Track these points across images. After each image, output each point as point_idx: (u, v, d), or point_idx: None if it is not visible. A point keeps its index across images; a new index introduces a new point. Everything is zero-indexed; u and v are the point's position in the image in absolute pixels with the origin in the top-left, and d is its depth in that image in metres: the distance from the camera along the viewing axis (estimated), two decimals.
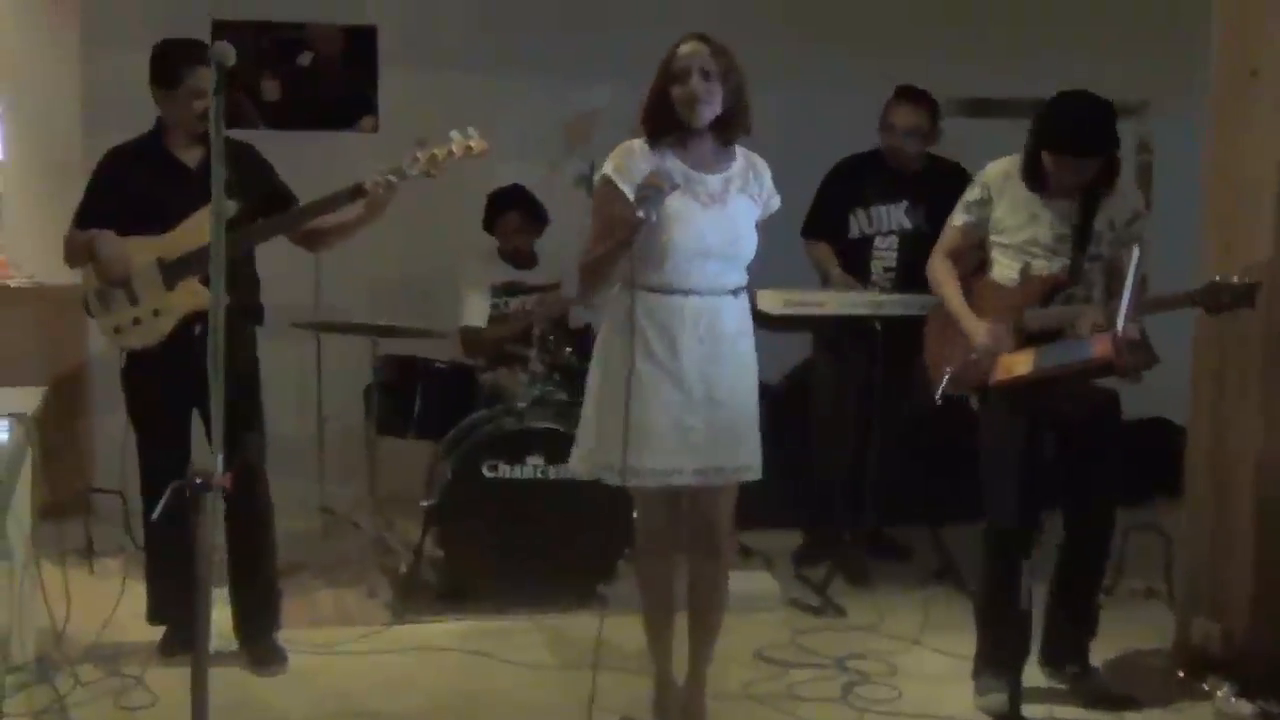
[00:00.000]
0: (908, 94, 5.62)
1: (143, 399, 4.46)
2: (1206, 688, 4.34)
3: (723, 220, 3.70)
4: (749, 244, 3.77)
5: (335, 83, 6.68)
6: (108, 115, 6.07)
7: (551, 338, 5.41)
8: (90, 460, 6.25)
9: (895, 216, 5.62)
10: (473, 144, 4.46)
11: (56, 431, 4.72)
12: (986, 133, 5.19)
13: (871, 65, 6.05)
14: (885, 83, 5.70)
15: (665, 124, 3.70)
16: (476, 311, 6.01)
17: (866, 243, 5.64)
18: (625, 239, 3.58)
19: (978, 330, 4.20)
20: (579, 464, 3.89)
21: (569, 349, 5.45)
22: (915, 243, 5.42)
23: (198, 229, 4.21)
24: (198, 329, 4.26)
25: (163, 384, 4.37)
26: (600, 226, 3.73)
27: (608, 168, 3.72)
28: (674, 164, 3.69)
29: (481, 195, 6.03)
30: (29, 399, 4.10)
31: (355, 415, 5.83)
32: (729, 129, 3.74)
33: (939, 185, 5.29)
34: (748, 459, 3.81)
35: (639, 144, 3.73)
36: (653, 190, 3.56)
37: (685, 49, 3.66)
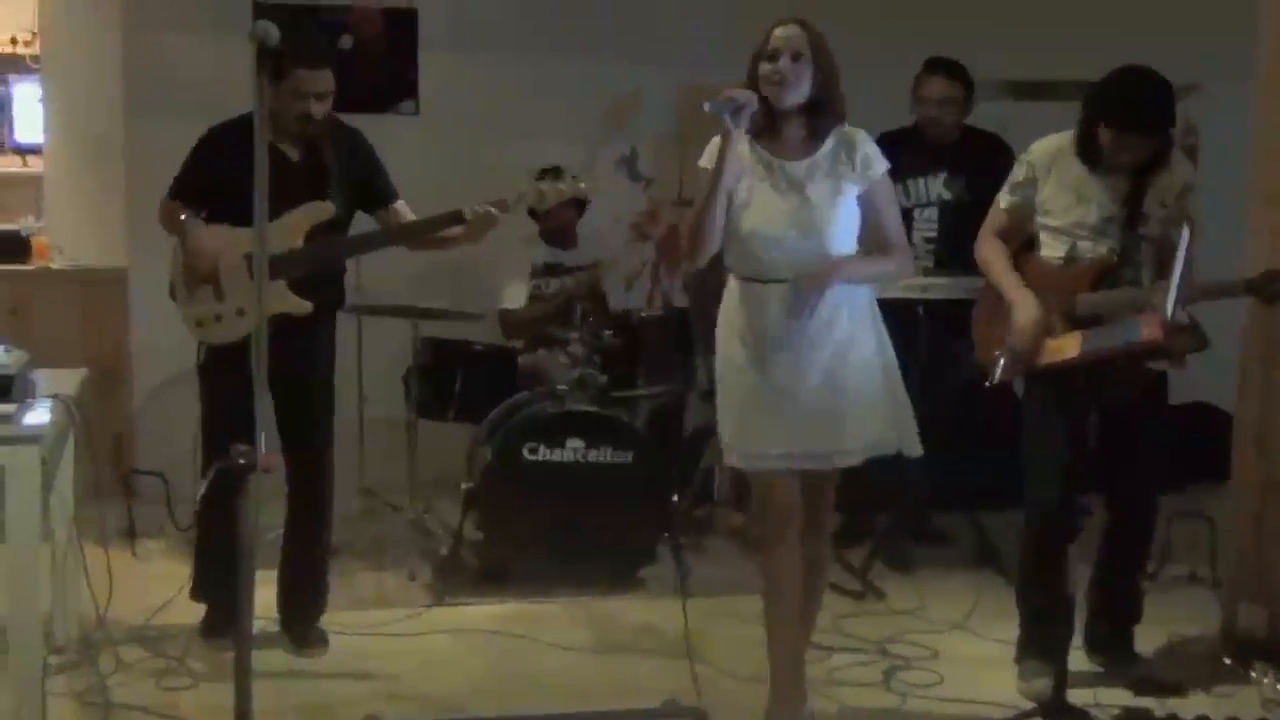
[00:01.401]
0: (938, 65, 5.57)
1: (218, 393, 4.41)
2: (1253, 673, 4.29)
3: (801, 208, 3.68)
4: (838, 227, 3.70)
5: (376, 66, 6.66)
6: (150, 98, 6.12)
7: (592, 320, 5.39)
8: (132, 442, 6.28)
9: (934, 188, 5.58)
10: (583, 186, 4.71)
11: (98, 414, 4.73)
12: (1031, 115, 5.12)
13: (914, 47, 5.98)
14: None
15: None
16: (515, 295, 6.00)
17: (905, 216, 5.58)
18: (717, 168, 3.61)
19: (1024, 305, 4.09)
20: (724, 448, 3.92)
21: (609, 332, 5.44)
22: (956, 213, 5.41)
23: (293, 227, 4.19)
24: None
25: (239, 380, 4.34)
26: None
27: (703, 161, 3.73)
28: (758, 152, 3.69)
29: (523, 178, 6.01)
30: (70, 381, 4.12)
31: (395, 398, 5.84)
32: (817, 115, 3.71)
33: (977, 155, 5.28)
34: (843, 443, 3.73)
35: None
36: (725, 98, 3.55)
37: (780, 31, 3.66)
